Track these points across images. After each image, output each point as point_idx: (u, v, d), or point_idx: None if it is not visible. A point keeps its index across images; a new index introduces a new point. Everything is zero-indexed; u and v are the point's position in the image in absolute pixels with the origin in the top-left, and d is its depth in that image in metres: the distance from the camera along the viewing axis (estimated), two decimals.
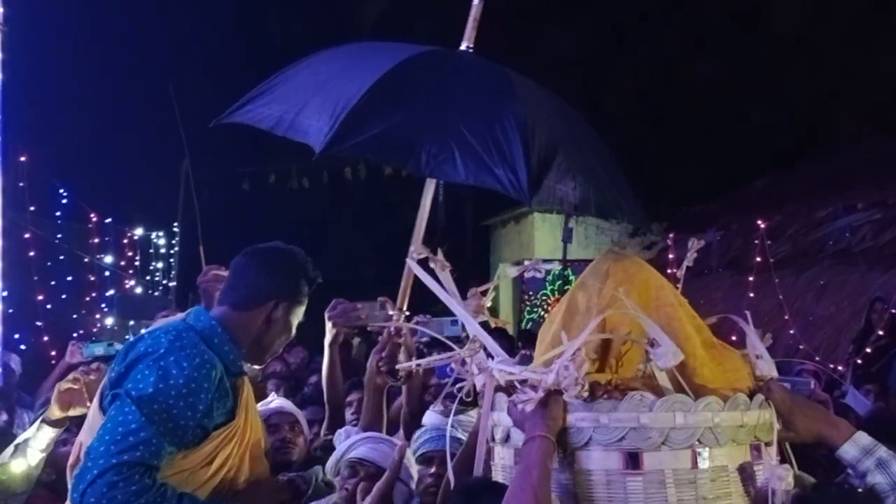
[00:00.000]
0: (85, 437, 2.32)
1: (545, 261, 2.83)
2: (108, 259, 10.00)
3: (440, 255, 2.80)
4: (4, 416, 4.65)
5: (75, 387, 2.78)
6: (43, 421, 2.87)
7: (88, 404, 2.69)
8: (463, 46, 3.22)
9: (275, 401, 3.50)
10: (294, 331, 2.50)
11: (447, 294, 2.41)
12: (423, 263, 2.51)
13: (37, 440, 2.83)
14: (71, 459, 2.36)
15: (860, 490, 2.06)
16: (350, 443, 2.96)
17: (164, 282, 12.13)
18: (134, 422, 2.12)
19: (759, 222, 10.21)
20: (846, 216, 10.50)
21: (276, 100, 2.97)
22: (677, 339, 2.11)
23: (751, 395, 2.16)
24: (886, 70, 12.16)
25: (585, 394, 2.07)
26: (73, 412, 2.80)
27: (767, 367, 2.26)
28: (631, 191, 3.13)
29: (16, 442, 2.90)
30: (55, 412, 2.80)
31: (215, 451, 2.24)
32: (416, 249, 2.67)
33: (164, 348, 2.22)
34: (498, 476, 2.35)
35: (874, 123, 12.29)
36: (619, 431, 2.06)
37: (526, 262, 2.42)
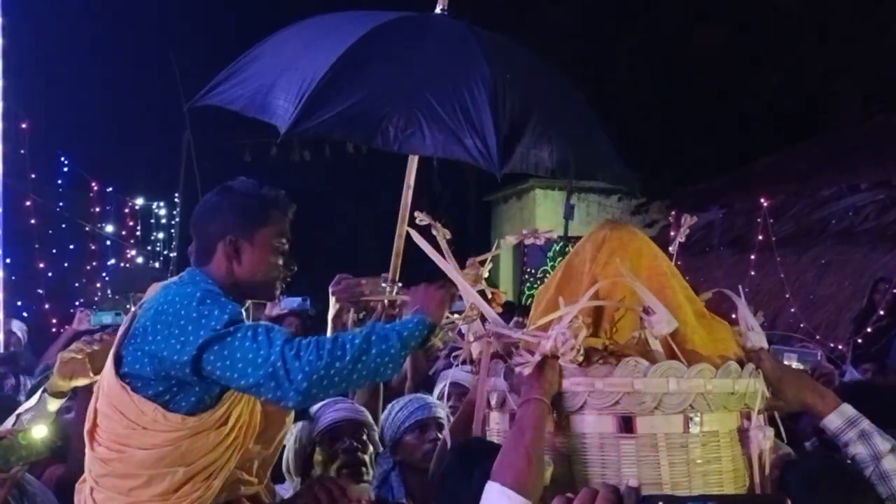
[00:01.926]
0: (101, 404, 2.29)
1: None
2: (110, 228, 10.02)
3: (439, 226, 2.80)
4: (12, 381, 4.66)
5: (78, 357, 2.72)
6: (44, 391, 2.84)
7: (91, 374, 2.68)
8: (437, 9, 3.12)
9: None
10: (281, 253, 2.39)
11: (445, 262, 2.41)
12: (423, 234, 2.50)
13: (39, 410, 2.80)
14: (87, 426, 2.34)
15: (848, 460, 2.09)
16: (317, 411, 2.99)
17: (165, 252, 12.15)
18: (246, 330, 2.13)
19: (762, 200, 10.19)
20: (850, 196, 10.47)
21: (247, 80, 2.93)
22: (669, 307, 2.13)
23: (741, 365, 2.18)
24: (894, 47, 12.04)
25: (580, 358, 2.09)
26: (75, 382, 2.75)
27: (758, 339, 2.28)
28: (615, 150, 3.04)
29: (18, 412, 2.88)
30: (58, 383, 2.76)
31: (228, 410, 2.23)
32: (402, 226, 2.65)
33: (199, 292, 2.20)
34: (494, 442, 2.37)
35: (881, 101, 12.19)
36: (613, 396, 2.08)
37: (524, 231, 2.40)
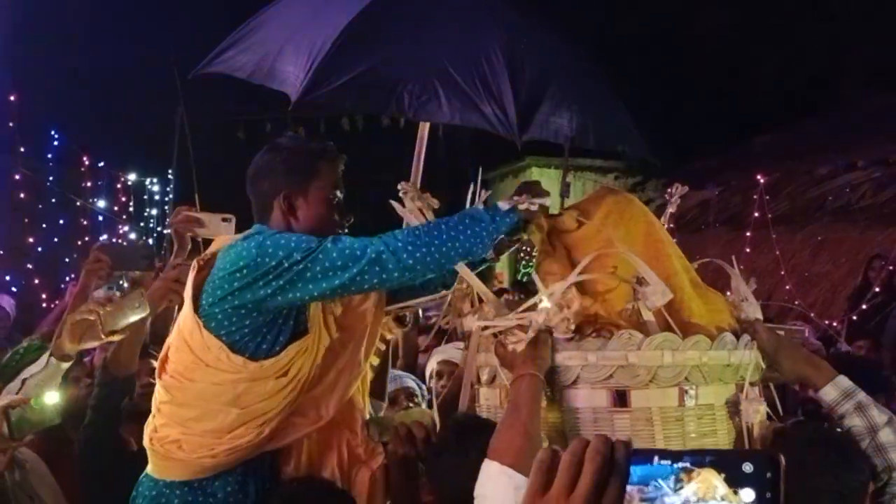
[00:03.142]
0: (174, 337, 2.32)
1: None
2: (101, 204, 9.92)
3: (427, 195, 2.73)
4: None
5: (90, 318, 2.55)
6: (50, 355, 2.77)
7: (103, 336, 2.58)
8: None
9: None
10: (335, 204, 2.39)
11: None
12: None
13: (47, 375, 2.72)
14: (160, 358, 2.36)
15: (838, 430, 2.06)
16: None
17: (159, 229, 12.05)
18: (328, 241, 2.15)
19: (759, 178, 10.13)
20: (847, 174, 10.43)
21: (253, 46, 2.84)
22: (665, 274, 2.09)
23: (736, 336, 2.15)
24: (891, 24, 11.95)
25: (573, 328, 2.04)
26: (85, 345, 2.59)
27: (753, 310, 2.26)
28: (633, 121, 2.94)
29: (22, 376, 2.79)
30: (66, 345, 2.58)
31: (291, 362, 2.24)
32: (411, 192, 2.59)
33: (271, 237, 2.21)
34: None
35: (880, 80, 12.11)
36: (606, 370, 2.05)
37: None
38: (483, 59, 2.58)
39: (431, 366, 3.70)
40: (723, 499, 0.92)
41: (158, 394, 2.33)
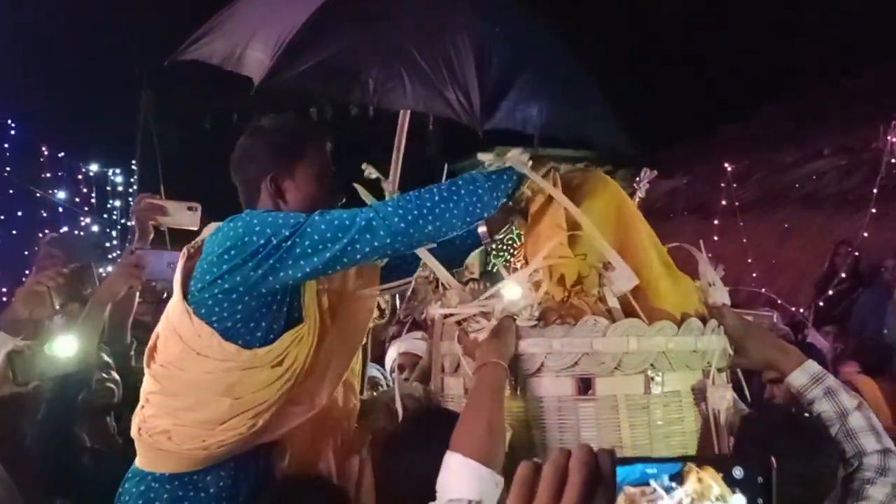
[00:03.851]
0: (163, 326, 2.24)
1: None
2: (62, 195, 9.69)
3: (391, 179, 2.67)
4: None
5: (40, 290, 2.58)
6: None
7: (57, 306, 2.59)
8: None
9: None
10: (324, 184, 2.32)
11: None
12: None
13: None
14: (148, 346, 2.27)
15: (805, 415, 2.04)
16: None
17: (123, 221, 11.82)
18: (317, 214, 2.07)
19: (726, 166, 10.19)
20: (812, 161, 10.53)
21: (227, 33, 2.78)
22: (635, 251, 2.06)
23: (703, 322, 2.11)
24: (856, 9, 12.04)
25: (537, 314, 1.99)
26: (35, 315, 2.59)
27: (721, 295, 2.23)
28: (610, 114, 2.86)
29: None
30: (18, 311, 2.59)
31: (285, 351, 2.17)
32: (393, 187, 2.53)
33: (257, 216, 2.13)
34: (449, 407, 2.29)
35: (841, 64, 12.22)
36: (571, 357, 2.01)
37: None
38: (450, 44, 2.50)
39: (392, 356, 3.64)
40: (717, 499, 0.90)
41: (147, 384, 2.25)
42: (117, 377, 2.91)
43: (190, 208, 2.63)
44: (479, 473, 1.75)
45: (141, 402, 2.27)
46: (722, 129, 13.31)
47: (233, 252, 2.07)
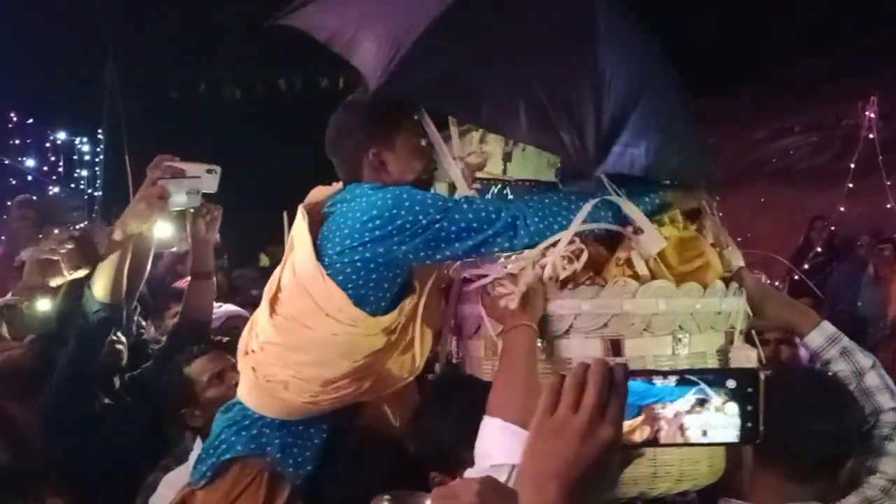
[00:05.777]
0: (288, 279, 2.25)
1: None
2: (30, 163, 9.44)
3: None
4: None
5: (53, 258, 2.65)
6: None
7: (66, 273, 2.65)
8: None
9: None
10: (422, 152, 2.34)
11: None
12: None
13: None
14: (268, 293, 2.29)
15: (829, 374, 2.07)
16: None
17: (90, 191, 11.56)
18: (459, 202, 2.15)
19: None
20: (783, 139, 10.66)
21: (338, 8, 2.59)
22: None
23: (725, 284, 2.14)
24: None
25: (567, 273, 2.00)
26: (49, 281, 2.69)
27: (736, 258, 2.26)
28: (701, 147, 2.70)
29: None
30: (34, 277, 2.69)
31: (396, 320, 2.21)
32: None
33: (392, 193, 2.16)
34: (465, 370, 2.29)
35: (811, 42, 12.37)
36: (601, 318, 2.02)
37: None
38: (572, 81, 2.32)
39: None
40: (717, 410, 1.09)
41: (266, 332, 2.27)
42: (124, 339, 2.88)
43: (209, 171, 2.57)
44: (521, 437, 1.74)
45: (252, 346, 2.31)
46: (693, 106, 13.41)
47: (378, 222, 2.10)
